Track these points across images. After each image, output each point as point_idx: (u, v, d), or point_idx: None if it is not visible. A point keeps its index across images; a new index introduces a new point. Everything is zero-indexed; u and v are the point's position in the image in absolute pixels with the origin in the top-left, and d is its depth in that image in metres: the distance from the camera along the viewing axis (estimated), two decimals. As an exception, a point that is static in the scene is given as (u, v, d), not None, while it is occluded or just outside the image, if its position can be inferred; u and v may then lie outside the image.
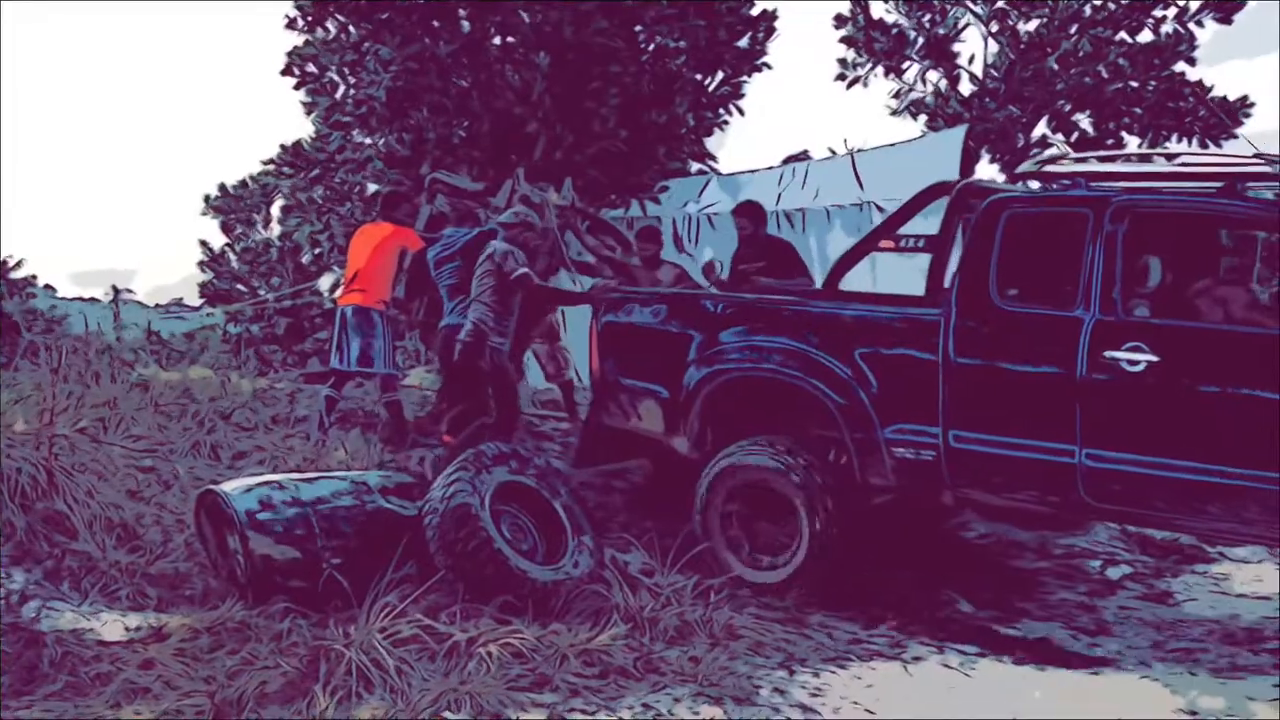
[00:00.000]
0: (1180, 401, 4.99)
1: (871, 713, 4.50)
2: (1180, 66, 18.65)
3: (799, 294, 6.81)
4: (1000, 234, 5.50)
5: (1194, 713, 4.53)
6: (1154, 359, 5.02)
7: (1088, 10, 18.52)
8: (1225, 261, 5.84)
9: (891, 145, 14.30)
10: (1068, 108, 19.09)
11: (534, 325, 8.60)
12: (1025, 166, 5.95)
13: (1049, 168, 5.77)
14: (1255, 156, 5.22)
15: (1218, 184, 5.21)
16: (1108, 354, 5.11)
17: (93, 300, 17.76)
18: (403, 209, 8.67)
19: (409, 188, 10.96)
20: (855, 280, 7.20)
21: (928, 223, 7.20)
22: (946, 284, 5.89)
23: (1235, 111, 18.40)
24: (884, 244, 7.04)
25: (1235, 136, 18.40)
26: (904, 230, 6.89)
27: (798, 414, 6.04)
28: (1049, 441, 5.25)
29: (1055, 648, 5.45)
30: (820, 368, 5.86)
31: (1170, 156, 5.82)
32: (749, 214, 8.59)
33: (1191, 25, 18.37)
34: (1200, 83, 18.62)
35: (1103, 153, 5.69)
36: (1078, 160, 5.83)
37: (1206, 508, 4.96)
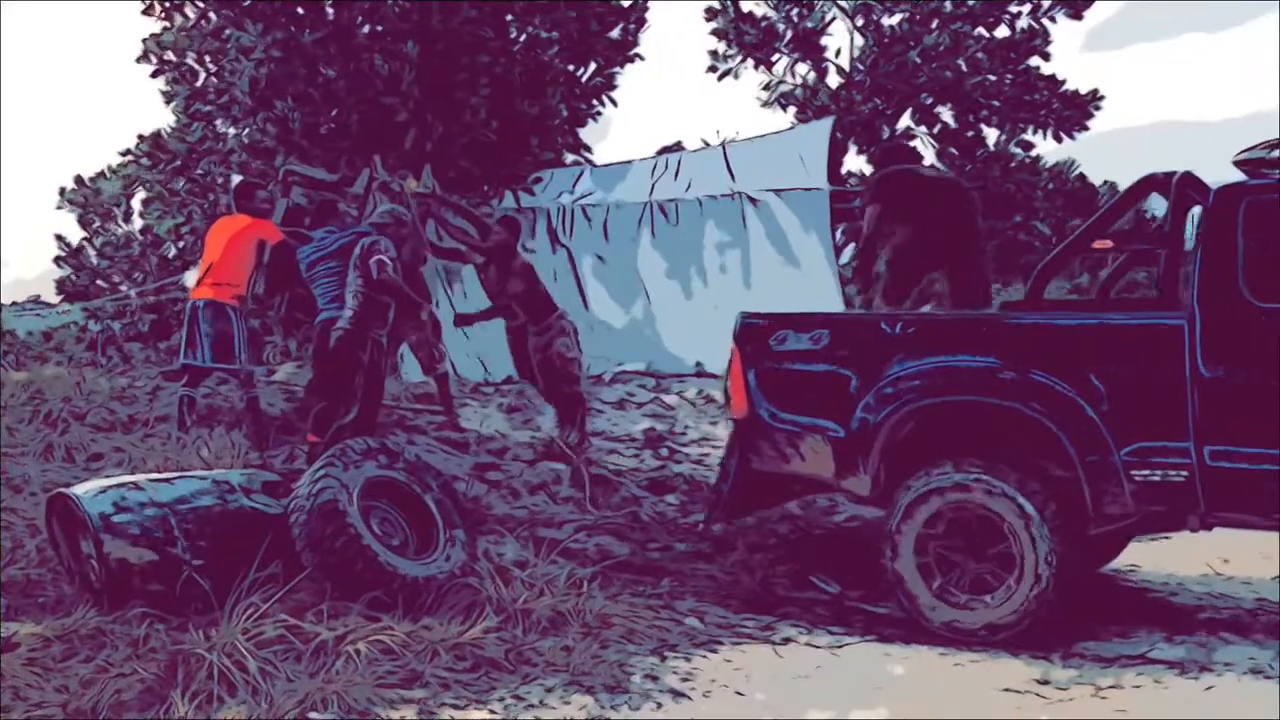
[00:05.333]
0: None
1: (741, 694, 4.57)
2: (1035, 61, 19.35)
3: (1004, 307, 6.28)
4: (1242, 225, 5.03)
5: (1046, 681, 4.72)
6: None
7: (948, 5, 19.07)
8: None
9: (762, 136, 14.51)
10: (929, 100, 19.65)
11: (409, 319, 8.53)
12: (1250, 154, 5.39)
13: (1277, 152, 5.27)
14: None
15: None
16: None
17: (-58, 299, 16.91)
18: (258, 199, 8.47)
19: (263, 177, 10.71)
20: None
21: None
22: (1183, 284, 5.39)
23: (1085, 105, 19.16)
24: (1099, 244, 6.50)
25: (1087, 129, 19.21)
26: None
27: (1001, 442, 5.41)
28: None
29: (918, 625, 5.61)
30: (1038, 388, 5.21)
31: None
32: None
33: (1045, 20, 19.07)
34: (1053, 77, 19.34)
35: None
36: None
37: None
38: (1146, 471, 5.07)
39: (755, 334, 5.87)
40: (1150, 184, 6.10)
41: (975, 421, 5.45)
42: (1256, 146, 5.42)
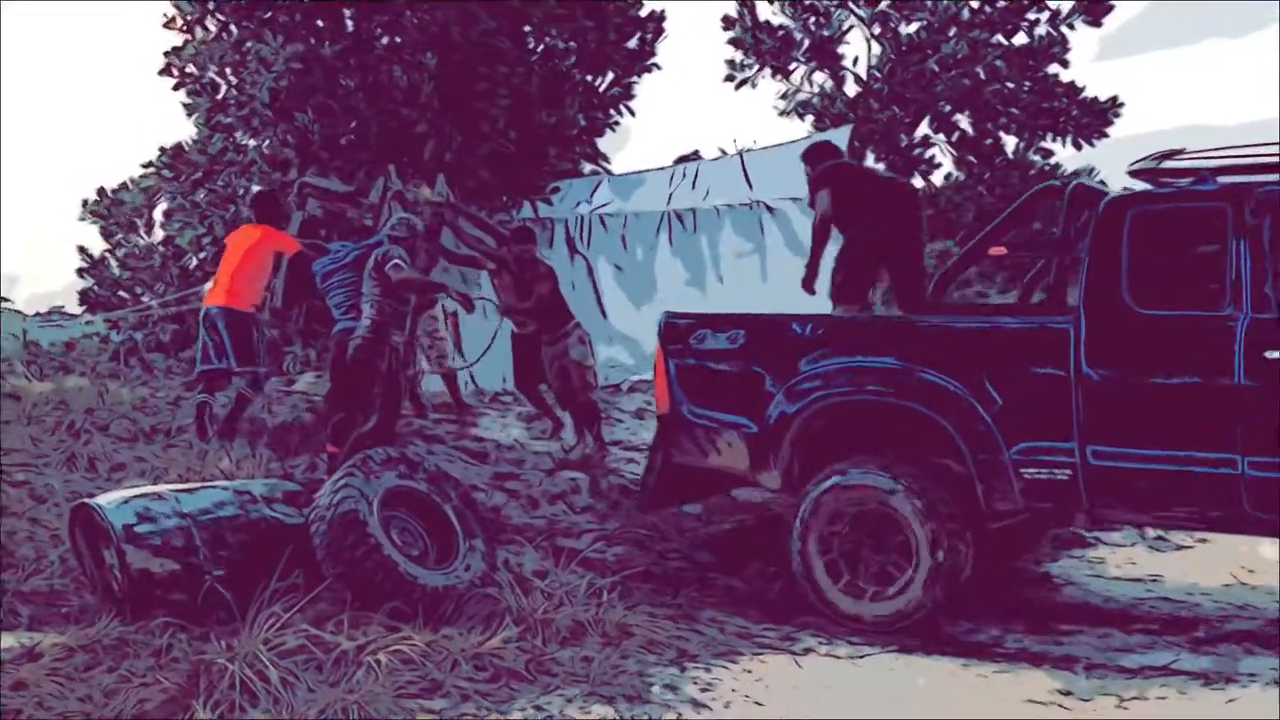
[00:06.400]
0: None
1: (761, 705, 4.56)
2: (1054, 68, 19.28)
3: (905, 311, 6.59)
4: (1127, 234, 5.20)
5: (1069, 693, 4.69)
6: None
7: (966, 13, 19.01)
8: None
9: (780, 145, 14.49)
10: (948, 108, 19.59)
11: (419, 321, 8.64)
12: (1141, 164, 5.59)
13: (1167, 163, 5.49)
14: None
15: None
16: (1269, 354, 4.84)
17: (-33, 311, 16.99)
18: (276, 210, 8.57)
19: (279, 187, 10.80)
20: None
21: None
22: (1071, 290, 5.63)
23: (1105, 112, 19.07)
24: (994, 251, 6.75)
25: (1106, 136, 19.10)
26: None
27: (902, 439, 5.66)
28: (1205, 452, 4.94)
29: (940, 634, 5.58)
30: (933, 388, 5.45)
31: None
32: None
33: (1063, 28, 19.00)
34: (1072, 84, 19.27)
35: (1220, 147, 5.40)
36: (1196, 155, 5.51)
37: None
38: (1034, 470, 5.28)
39: (677, 333, 6.16)
40: (1047, 193, 6.26)
41: (880, 420, 5.67)
42: (1148, 157, 5.59)
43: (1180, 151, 5.57)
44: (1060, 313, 5.52)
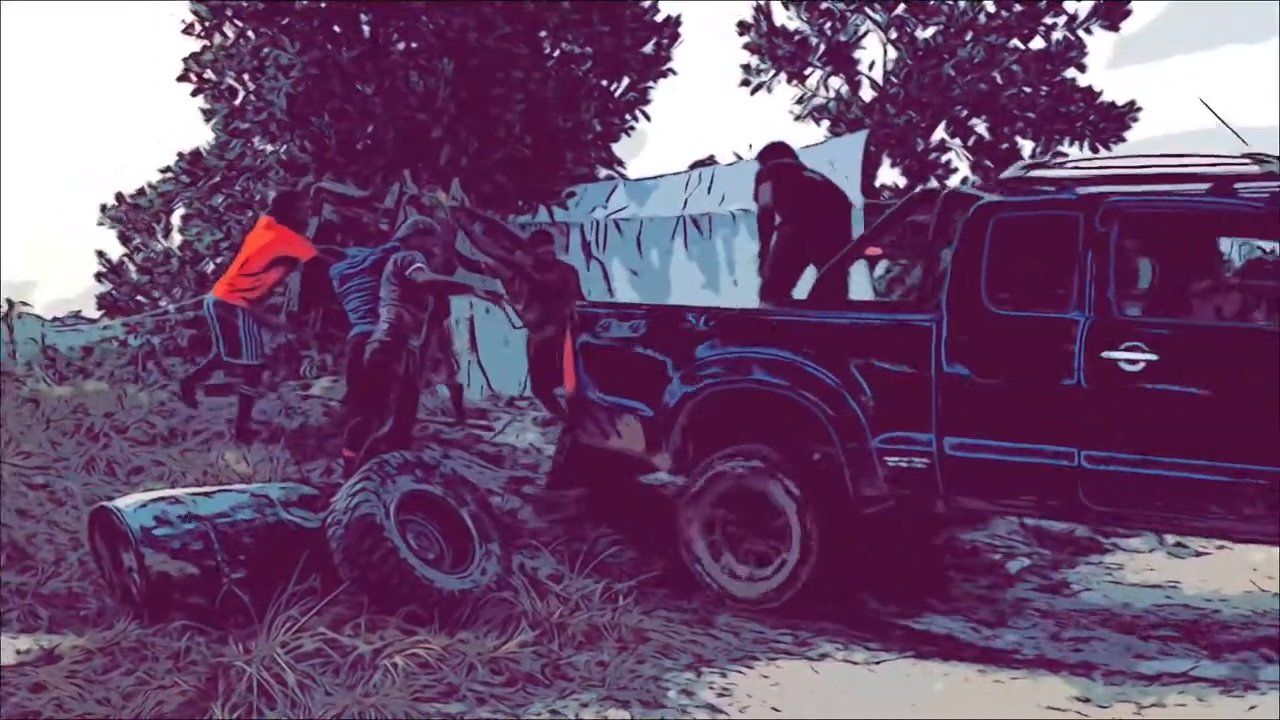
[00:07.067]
0: (1180, 400, 5.00)
1: (777, 710, 4.55)
2: (1070, 73, 19.21)
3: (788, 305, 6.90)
4: (989, 239, 5.47)
5: (1087, 699, 4.66)
6: (1152, 358, 5.01)
7: (982, 18, 18.96)
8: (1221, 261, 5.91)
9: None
10: (964, 113, 19.52)
11: (434, 329, 8.63)
12: (1011, 173, 5.89)
13: (1034, 173, 5.79)
14: (1245, 156, 5.26)
15: (1206, 184, 5.23)
16: (1105, 354, 5.10)
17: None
18: (293, 211, 8.65)
19: (301, 189, 10.88)
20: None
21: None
22: (937, 290, 5.86)
23: (1122, 116, 18.99)
24: (871, 251, 7.06)
25: (1124, 140, 19.02)
26: None
27: (785, 426, 5.92)
28: (1046, 445, 5.23)
29: (957, 641, 5.57)
30: (810, 378, 5.74)
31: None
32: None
33: (1081, 32, 18.93)
34: (1089, 88, 19.19)
35: (1088, 157, 5.73)
36: (1062, 165, 5.81)
37: (1208, 506, 4.97)
38: (896, 458, 5.58)
39: (586, 321, 6.49)
40: (923, 197, 6.55)
41: (765, 407, 5.95)
42: (1015, 166, 5.93)
43: (1048, 162, 5.89)
44: (926, 310, 5.81)
